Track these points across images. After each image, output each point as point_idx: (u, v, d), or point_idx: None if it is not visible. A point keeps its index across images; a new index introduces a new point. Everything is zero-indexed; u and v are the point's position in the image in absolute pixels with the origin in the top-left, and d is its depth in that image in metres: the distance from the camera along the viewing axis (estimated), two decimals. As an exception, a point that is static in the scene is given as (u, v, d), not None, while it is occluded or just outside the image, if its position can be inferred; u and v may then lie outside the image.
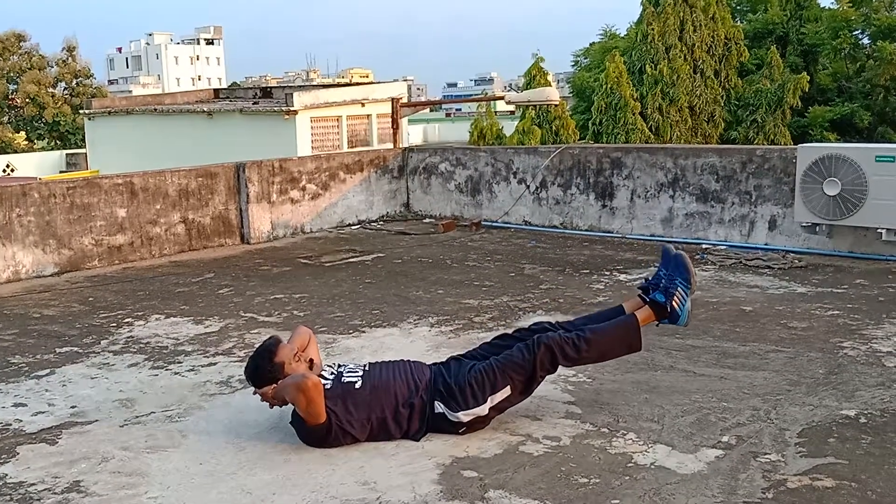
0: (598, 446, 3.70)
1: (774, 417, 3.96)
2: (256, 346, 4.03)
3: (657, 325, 4.07)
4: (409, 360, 4.06)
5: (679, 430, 3.85)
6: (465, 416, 3.80)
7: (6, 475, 3.57)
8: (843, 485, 3.28)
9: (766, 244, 8.16)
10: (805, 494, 3.21)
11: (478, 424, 3.85)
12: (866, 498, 3.18)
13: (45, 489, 3.43)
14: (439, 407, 3.80)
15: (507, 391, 3.82)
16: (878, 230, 7.28)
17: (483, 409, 3.81)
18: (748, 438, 3.74)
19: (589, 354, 3.95)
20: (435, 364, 4.04)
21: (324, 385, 3.73)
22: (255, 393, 3.86)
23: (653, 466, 3.48)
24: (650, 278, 4.13)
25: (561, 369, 4.61)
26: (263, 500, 3.29)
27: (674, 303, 3.96)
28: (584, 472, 3.44)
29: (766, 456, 3.55)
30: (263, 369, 3.80)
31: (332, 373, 3.88)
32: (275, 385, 3.75)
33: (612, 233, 9.20)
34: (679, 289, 3.97)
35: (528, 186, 9.91)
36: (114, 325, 5.96)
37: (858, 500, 3.17)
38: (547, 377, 3.98)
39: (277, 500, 3.29)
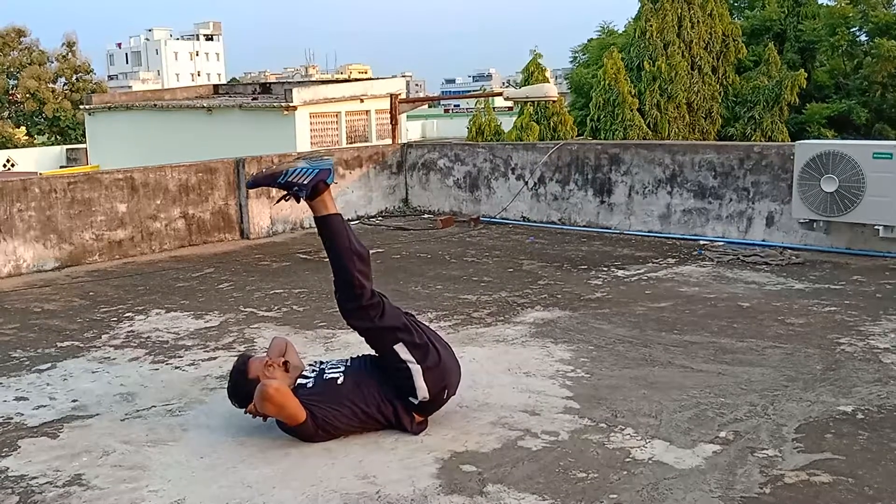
0: (597, 441, 3.71)
1: (772, 413, 3.98)
2: (248, 351, 4.00)
3: (329, 185, 3.88)
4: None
5: (677, 425, 3.87)
6: (423, 391, 3.75)
7: (8, 468, 3.59)
8: (839, 480, 3.30)
9: (763, 240, 8.18)
10: (802, 490, 3.23)
11: (443, 381, 3.79)
12: (863, 493, 3.20)
13: (46, 482, 3.45)
14: (413, 400, 3.80)
15: (401, 347, 3.74)
16: (876, 227, 7.30)
17: (417, 370, 3.72)
18: (745, 434, 3.75)
19: (352, 271, 3.76)
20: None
21: (305, 384, 3.76)
22: (245, 413, 3.86)
23: (650, 461, 3.50)
24: (294, 190, 3.89)
25: (557, 362, 4.65)
26: (263, 494, 3.30)
27: (306, 182, 3.81)
28: (583, 467, 3.46)
29: (764, 451, 3.57)
30: (242, 389, 3.81)
31: (314, 370, 3.89)
32: None
33: (610, 229, 9.22)
34: (288, 178, 3.81)
35: (526, 182, 9.93)
36: (114, 319, 5.98)
37: (855, 495, 3.18)
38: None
39: (277, 493, 3.31)
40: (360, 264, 3.80)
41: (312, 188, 3.83)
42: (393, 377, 3.80)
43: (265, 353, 4.07)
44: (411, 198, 11.01)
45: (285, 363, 3.89)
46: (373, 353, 4.07)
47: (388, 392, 3.81)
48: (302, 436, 3.73)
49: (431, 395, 3.78)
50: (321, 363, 3.99)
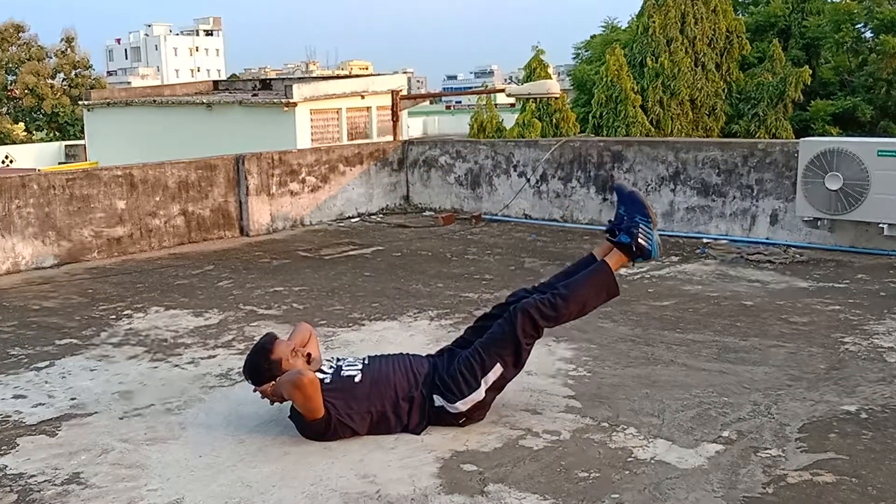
0: (599, 441, 3.69)
1: (775, 412, 3.96)
2: (254, 343, 4.01)
3: (633, 264, 4.07)
4: (408, 354, 4.05)
5: (679, 424, 3.84)
6: (463, 406, 3.79)
7: (6, 467, 3.57)
8: (843, 480, 3.28)
9: (767, 238, 8.15)
10: (805, 489, 3.21)
11: (477, 412, 3.85)
12: (867, 493, 3.17)
13: (44, 481, 3.43)
14: (438, 400, 3.80)
15: (498, 369, 3.80)
16: (880, 225, 7.26)
17: (479, 393, 3.79)
18: (748, 433, 3.73)
19: (568, 310, 3.90)
20: (431, 356, 4.04)
21: (323, 379, 3.72)
22: (255, 391, 3.85)
23: (653, 461, 3.48)
24: (613, 220, 4.05)
25: (559, 360, 4.62)
26: (263, 493, 3.28)
27: (639, 241, 3.90)
28: (584, 467, 3.44)
29: (767, 451, 3.55)
30: (261, 367, 3.79)
31: (332, 366, 3.87)
32: (273, 382, 3.74)
33: (613, 226, 9.17)
34: (641, 225, 3.90)
35: (528, 180, 9.90)
36: (113, 317, 5.95)
37: (859, 495, 3.16)
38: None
39: (277, 492, 3.29)
40: (574, 316, 3.98)
41: (635, 247, 3.92)
42: (456, 374, 3.79)
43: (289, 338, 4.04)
44: (412, 195, 10.99)
45: (308, 355, 3.87)
46: (388, 353, 4.06)
47: (410, 389, 3.79)
48: (311, 430, 3.72)
49: (457, 414, 3.80)
50: (337, 359, 3.96)
